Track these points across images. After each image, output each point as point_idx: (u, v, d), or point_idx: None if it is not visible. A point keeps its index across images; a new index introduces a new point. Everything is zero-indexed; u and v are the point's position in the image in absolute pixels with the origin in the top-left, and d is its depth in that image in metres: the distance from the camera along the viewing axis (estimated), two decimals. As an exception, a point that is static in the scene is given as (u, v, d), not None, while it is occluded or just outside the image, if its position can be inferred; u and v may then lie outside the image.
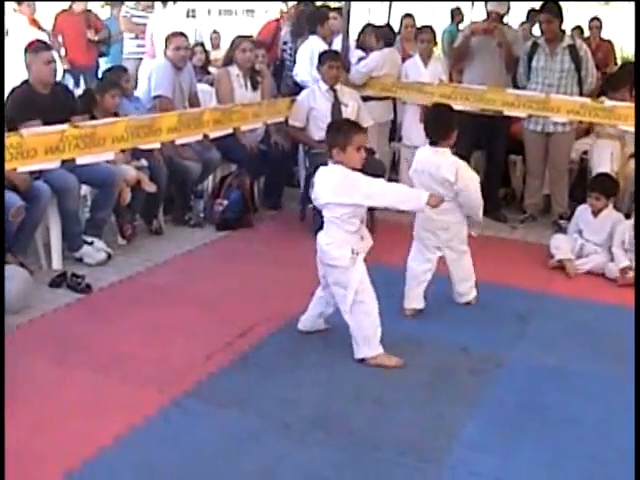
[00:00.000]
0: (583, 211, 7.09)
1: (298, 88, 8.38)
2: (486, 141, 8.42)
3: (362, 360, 4.77)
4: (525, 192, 8.60)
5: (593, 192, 6.97)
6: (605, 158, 8.02)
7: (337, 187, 4.67)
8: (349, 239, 4.72)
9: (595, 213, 6.95)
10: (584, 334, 5.49)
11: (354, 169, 4.70)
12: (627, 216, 7.17)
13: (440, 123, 5.54)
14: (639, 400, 4.06)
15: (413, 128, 8.54)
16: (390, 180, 9.21)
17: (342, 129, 4.75)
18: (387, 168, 8.68)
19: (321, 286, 5.07)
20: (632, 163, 8.01)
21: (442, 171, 5.32)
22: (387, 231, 7.31)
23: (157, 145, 6.59)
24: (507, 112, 8.12)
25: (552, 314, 5.82)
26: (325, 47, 8.29)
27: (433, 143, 5.51)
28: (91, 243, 6.32)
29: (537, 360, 5.04)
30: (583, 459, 3.94)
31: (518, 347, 5.21)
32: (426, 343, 5.17)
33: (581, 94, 8.05)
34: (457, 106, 7.77)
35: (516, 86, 8.52)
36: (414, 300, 5.64)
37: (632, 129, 7.73)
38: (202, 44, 10.75)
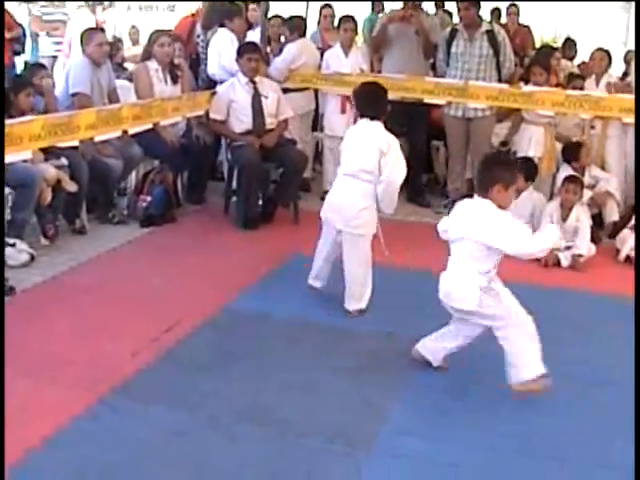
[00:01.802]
0: (506, 193, 7.17)
1: (213, 82, 8.34)
2: (407, 128, 8.47)
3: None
4: (448, 177, 8.71)
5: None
6: (529, 143, 8.12)
7: (481, 224, 4.29)
8: (477, 279, 4.36)
9: (515, 195, 7.04)
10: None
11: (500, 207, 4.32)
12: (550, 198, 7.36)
13: (373, 99, 5.51)
14: (639, 398, 4.06)
15: (335, 118, 8.58)
16: (314, 170, 9.31)
17: (511, 166, 4.45)
18: (310, 158, 8.70)
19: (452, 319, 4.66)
20: (558, 146, 8.16)
21: (376, 140, 5.29)
22: (310, 221, 7.31)
23: (75, 143, 6.49)
24: (427, 99, 8.21)
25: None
26: (234, 40, 8.24)
27: (367, 117, 5.46)
28: (13, 245, 6.20)
29: (464, 342, 5.08)
30: (511, 438, 4.00)
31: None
32: (353, 329, 5.20)
33: (499, 79, 8.17)
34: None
35: (436, 72, 8.61)
36: None
37: (551, 113, 7.89)
38: (120, 40, 10.66)
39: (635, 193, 3.53)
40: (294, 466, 3.67)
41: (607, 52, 8.57)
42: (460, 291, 4.37)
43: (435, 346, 4.63)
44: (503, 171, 4.31)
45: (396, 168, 5.31)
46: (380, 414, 4.15)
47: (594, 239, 7.04)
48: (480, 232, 4.27)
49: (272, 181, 7.71)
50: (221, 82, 8.05)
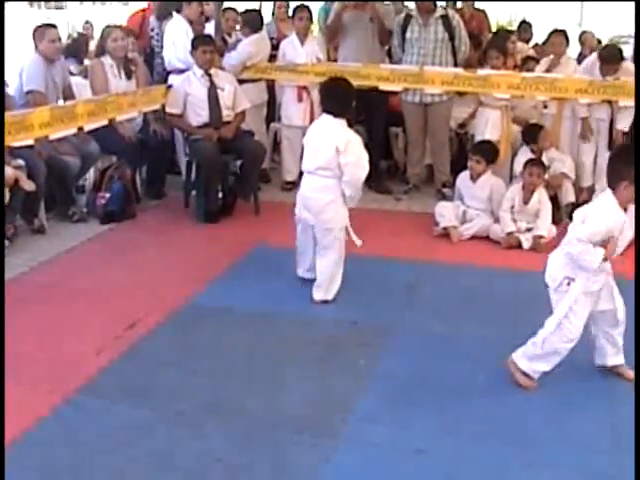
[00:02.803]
0: (463, 177, 7.24)
1: (169, 75, 8.27)
2: (365, 115, 8.47)
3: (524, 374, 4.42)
4: (407, 163, 8.73)
5: (475, 155, 7.14)
6: (486, 126, 8.14)
7: (586, 217, 4.11)
8: (567, 264, 4.17)
9: (474, 178, 7.10)
10: (472, 299, 5.61)
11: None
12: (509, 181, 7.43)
13: (339, 96, 5.47)
14: (639, 397, 4.06)
15: (292, 108, 8.57)
16: (273, 161, 9.30)
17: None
18: (268, 149, 8.68)
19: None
20: (514, 129, 8.23)
21: (334, 138, 5.25)
22: (271, 211, 7.33)
23: (30, 142, 6.42)
24: (383, 87, 8.21)
25: (440, 281, 5.94)
26: (189, 32, 8.17)
27: (330, 114, 5.42)
28: (-28, 246, 6.16)
29: (427, 328, 5.12)
30: (477, 423, 4.02)
31: (407, 317, 5.29)
32: (317, 320, 5.21)
33: (455, 63, 8.20)
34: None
35: (392, 58, 8.62)
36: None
37: (508, 96, 7.92)
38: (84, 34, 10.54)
39: (635, 188, 3.55)
40: (262, 459, 3.66)
41: (565, 34, 8.62)
42: (551, 268, 4.30)
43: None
44: (627, 167, 3.98)
45: (357, 168, 5.31)
46: (345, 403, 4.15)
47: (554, 220, 7.09)
48: (579, 225, 4.12)
49: (231, 173, 7.68)
50: (179, 72, 7.97)
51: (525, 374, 4.34)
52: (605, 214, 4.02)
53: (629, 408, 4.08)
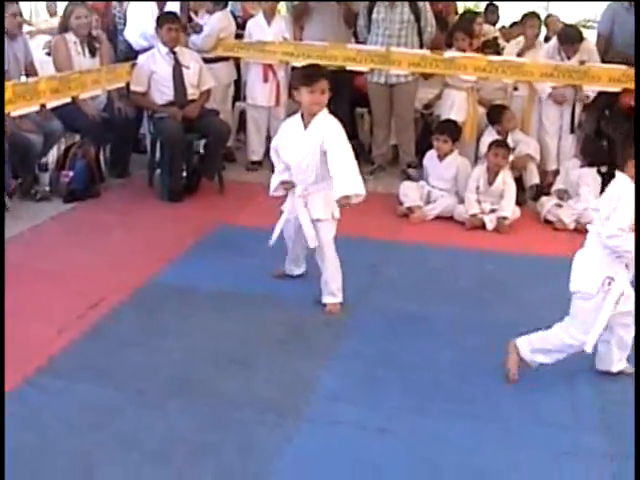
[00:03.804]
0: (430, 157, 7.26)
1: (133, 52, 8.19)
2: (330, 96, 8.43)
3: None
4: (373, 144, 8.74)
5: (441, 135, 7.15)
6: (452, 107, 8.15)
7: (610, 199, 4.01)
8: (607, 263, 4.02)
9: (441, 158, 7.12)
10: (436, 279, 5.65)
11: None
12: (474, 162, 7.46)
13: None
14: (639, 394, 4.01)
15: (257, 87, 8.53)
16: (238, 141, 9.26)
17: None
18: (234, 129, 8.63)
19: None
20: (480, 110, 8.27)
21: (316, 138, 4.91)
22: (235, 191, 7.31)
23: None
24: (349, 67, 8.21)
25: (404, 261, 5.96)
26: (154, 8, 8.09)
27: None
28: None
29: (391, 308, 5.14)
30: (442, 401, 4.05)
31: (371, 296, 5.31)
32: (281, 300, 5.19)
33: (421, 44, 8.20)
34: (300, 63, 7.83)
35: (358, 39, 8.61)
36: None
37: (473, 78, 7.94)
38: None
39: (636, 185, 3.55)
40: (225, 438, 3.65)
41: (538, 16, 8.66)
42: (584, 274, 4.12)
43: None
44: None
45: (346, 158, 4.85)
46: (309, 383, 4.16)
47: (518, 202, 7.13)
48: (606, 207, 4.00)
49: (196, 152, 7.64)
50: (143, 51, 7.90)
51: (522, 360, 4.29)
52: (629, 197, 3.91)
53: (589, 387, 4.22)
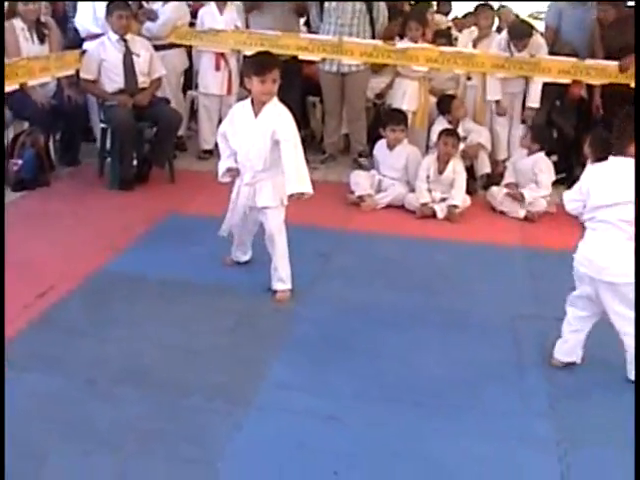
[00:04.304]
0: (380, 146, 7.29)
1: (82, 40, 8.10)
2: (281, 85, 8.42)
3: None
4: (324, 133, 8.76)
5: (390, 124, 7.17)
6: (404, 97, 8.19)
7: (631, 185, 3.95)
8: (629, 248, 4.00)
9: (391, 147, 7.15)
10: (386, 267, 5.68)
11: None
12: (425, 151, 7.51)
13: None
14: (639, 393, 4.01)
15: (209, 76, 8.49)
16: (190, 129, 9.21)
17: None
18: (184, 117, 8.58)
19: (575, 311, 4.36)
20: (432, 100, 8.32)
21: (267, 128, 4.91)
22: (187, 180, 7.28)
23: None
24: (301, 56, 8.21)
25: (354, 249, 5.99)
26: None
27: None
28: None
29: (340, 296, 5.16)
30: (391, 389, 4.08)
31: (321, 285, 5.33)
32: (231, 288, 5.19)
33: (373, 34, 8.22)
34: (252, 52, 7.81)
35: (310, 28, 8.61)
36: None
37: (425, 69, 7.98)
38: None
39: (636, 185, 3.57)
40: (175, 426, 3.65)
41: (492, 8, 8.72)
42: (621, 263, 4.02)
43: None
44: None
45: (297, 152, 4.88)
46: (259, 370, 4.17)
47: (469, 191, 7.18)
48: (630, 193, 3.94)
49: (146, 141, 7.59)
50: (93, 38, 7.81)
51: None
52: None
53: (538, 376, 4.26)
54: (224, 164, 5.15)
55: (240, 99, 7.82)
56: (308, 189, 4.79)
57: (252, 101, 4.96)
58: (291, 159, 4.80)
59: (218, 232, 5.20)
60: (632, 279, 3.96)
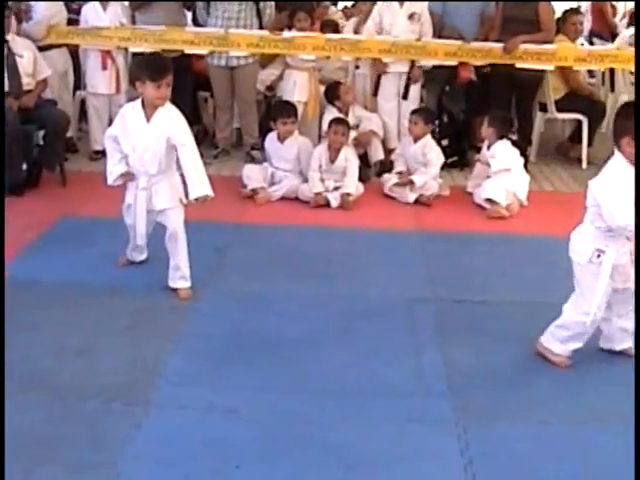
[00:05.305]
0: (271, 139, 7.30)
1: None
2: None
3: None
4: (216, 127, 8.72)
5: (280, 117, 7.18)
6: (294, 88, 8.21)
7: (603, 178, 4.03)
8: (597, 236, 4.09)
9: (282, 139, 7.17)
10: (282, 258, 5.71)
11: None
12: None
13: None
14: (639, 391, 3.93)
15: (97, 75, 8.37)
16: (80, 130, 9.08)
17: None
18: (73, 118, 8.45)
19: None
20: (322, 89, 8.36)
21: (161, 133, 4.88)
22: (79, 182, 7.18)
23: None
24: (188, 50, 8.17)
25: (250, 243, 6.01)
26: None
27: None
28: None
29: (237, 289, 5.19)
30: (290, 378, 4.12)
31: (217, 279, 5.34)
32: (126, 288, 5.15)
33: (261, 26, 8.22)
34: (137, 49, 7.76)
35: (196, 22, 8.58)
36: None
37: (313, 58, 8.03)
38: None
39: (635, 185, 3.59)
40: (75, 430, 3.62)
41: None
42: (579, 243, 4.18)
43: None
44: (632, 122, 3.90)
45: (195, 155, 4.92)
46: (157, 368, 4.15)
47: (362, 178, 7.25)
48: (597, 186, 4.02)
49: (35, 144, 7.45)
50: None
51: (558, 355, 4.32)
52: (622, 177, 3.92)
53: (436, 357, 4.35)
54: (117, 169, 5.07)
55: (130, 98, 7.80)
56: (210, 191, 4.84)
57: (143, 104, 4.90)
58: (191, 163, 4.83)
59: (112, 233, 5.13)
60: (578, 259, 4.15)
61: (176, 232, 5.01)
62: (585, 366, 4.27)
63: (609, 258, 4.05)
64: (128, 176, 5.06)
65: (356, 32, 8.58)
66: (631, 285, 4.19)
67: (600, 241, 4.07)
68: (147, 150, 4.89)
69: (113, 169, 5.09)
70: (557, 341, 4.29)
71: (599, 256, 4.06)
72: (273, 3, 8.41)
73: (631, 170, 3.89)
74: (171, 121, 4.87)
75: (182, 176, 4.96)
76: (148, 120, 4.87)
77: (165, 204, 5.01)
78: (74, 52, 8.78)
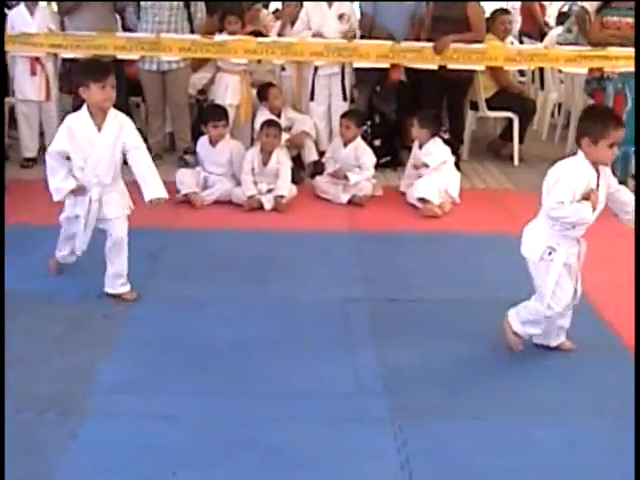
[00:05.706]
0: (203, 143, 7.30)
1: None
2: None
3: None
4: (148, 132, 8.66)
5: (211, 120, 7.18)
6: (226, 91, 8.23)
7: (551, 176, 4.18)
8: (549, 234, 4.20)
9: (213, 143, 7.17)
10: (216, 262, 5.72)
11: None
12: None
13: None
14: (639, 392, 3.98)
15: (26, 81, 8.27)
16: (10, 137, 8.97)
17: (601, 119, 4.11)
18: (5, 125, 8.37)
19: None
20: (253, 92, 8.41)
21: (115, 140, 4.85)
22: (23, 189, 7.09)
23: None
24: (120, 56, 8.13)
25: (183, 247, 6.01)
26: None
27: None
28: None
29: (171, 293, 5.18)
30: (225, 381, 4.13)
31: (152, 284, 5.32)
32: (60, 297, 5.10)
33: (192, 30, 8.21)
34: (68, 54, 7.70)
35: (126, 27, 8.54)
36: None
37: (245, 61, 8.05)
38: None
39: (635, 185, 3.60)
40: (9, 442, 3.52)
41: None
42: (529, 239, 4.30)
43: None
44: (591, 124, 4.10)
45: (148, 157, 5.02)
46: (91, 376, 4.13)
47: (296, 180, 7.28)
48: (547, 184, 4.18)
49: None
50: None
51: (516, 334, 4.39)
52: (570, 172, 4.09)
53: (369, 357, 4.38)
54: (65, 184, 4.92)
55: (60, 106, 7.76)
56: (165, 194, 4.90)
57: (90, 112, 4.82)
58: (145, 166, 4.88)
59: (46, 241, 5.08)
60: (530, 256, 4.26)
61: (121, 240, 4.99)
62: (520, 362, 4.36)
63: (560, 256, 4.17)
64: (79, 190, 4.94)
65: (280, 35, 8.63)
66: (579, 288, 4.33)
67: (552, 239, 4.17)
68: (101, 161, 4.84)
69: (60, 185, 4.93)
70: (518, 321, 4.37)
71: (550, 253, 4.18)
72: (204, 7, 8.40)
73: (589, 169, 4.08)
74: (122, 127, 4.85)
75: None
76: (99, 129, 4.80)
77: (116, 213, 4.98)
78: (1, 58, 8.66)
